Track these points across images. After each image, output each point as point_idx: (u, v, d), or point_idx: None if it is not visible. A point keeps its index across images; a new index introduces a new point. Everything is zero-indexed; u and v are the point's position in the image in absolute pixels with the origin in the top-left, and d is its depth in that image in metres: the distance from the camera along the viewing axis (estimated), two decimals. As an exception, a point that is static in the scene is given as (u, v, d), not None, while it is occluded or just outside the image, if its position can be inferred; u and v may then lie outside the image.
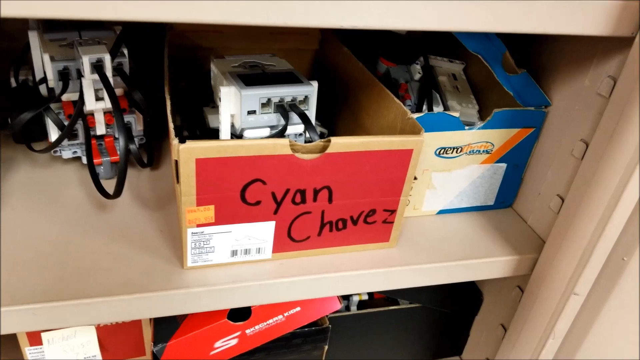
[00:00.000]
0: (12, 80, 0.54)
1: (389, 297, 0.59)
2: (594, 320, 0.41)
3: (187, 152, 0.34)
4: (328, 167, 0.38)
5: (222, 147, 0.34)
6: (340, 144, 0.37)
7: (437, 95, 0.52)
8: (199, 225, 0.37)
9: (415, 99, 0.51)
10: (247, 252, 0.40)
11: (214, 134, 0.46)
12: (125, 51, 0.47)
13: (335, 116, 0.56)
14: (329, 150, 0.37)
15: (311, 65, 0.64)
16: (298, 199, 0.38)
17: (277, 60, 0.47)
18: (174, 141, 0.34)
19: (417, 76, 0.54)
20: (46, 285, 0.37)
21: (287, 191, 0.38)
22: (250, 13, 0.27)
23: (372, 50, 0.56)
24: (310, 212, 0.39)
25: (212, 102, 0.50)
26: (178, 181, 0.35)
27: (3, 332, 0.36)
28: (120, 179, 0.40)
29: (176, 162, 0.34)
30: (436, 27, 0.31)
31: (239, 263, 0.41)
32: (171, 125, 0.36)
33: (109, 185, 0.44)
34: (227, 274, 0.40)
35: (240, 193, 0.37)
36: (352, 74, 0.51)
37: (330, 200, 0.39)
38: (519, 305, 0.48)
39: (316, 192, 0.39)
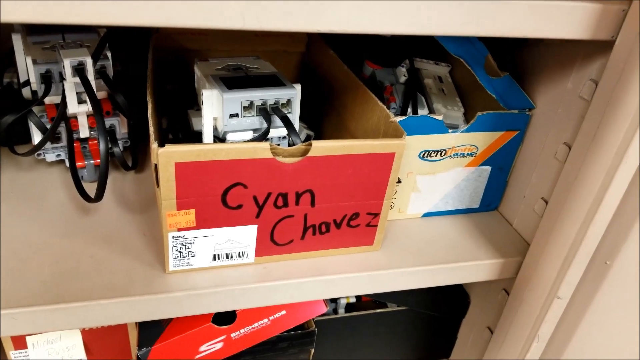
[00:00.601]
0: (-4, 83, 0.54)
1: (377, 300, 0.59)
2: (577, 324, 0.41)
3: (166, 156, 0.33)
4: (310, 171, 0.37)
5: (201, 151, 0.34)
6: (321, 147, 0.37)
7: (422, 98, 0.52)
8: (180, 229, 0.37)
9: (400, 102, 0.51)
10: (229, 256, 0.40)
11: (197, 137, 0.46)
12: (109, 54, 0.46)
13: (322, 118, 0.56)
14: (310, 154, 0.37)
15: (298, 67, 0.64)
16: (280, 202, 0.38)
17: (261, 63, 0.47)
18: (153, 145, 0.34)
19: (403, 79, 0.54)
20: (27, 289, 0.37)
21: (269, 195, 0.38)
22: (226, 17, 0.27)
23: (358, 52, 0.56)
24: (292, 215, 0.39)
25: (196, 104, 0.50)
26: (158, 185, 0.35)
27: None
28: (101, 182, 0.40)
29: (155, 166, 0.34)
30: (413, 31, 0.31)
31: (221, 267, 0.40)
32: (151, 129, 0.36)
33: (93, 188, 0.44)
34: (209, 278, 0.40)
35: (221, 197, 0.37)
36: (337, 77, 0.51)
37: (312, 203, 0.39)
38: (505, 308, 0.48)
39: (298, 196, 0.39)
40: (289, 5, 0.28)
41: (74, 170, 0.42)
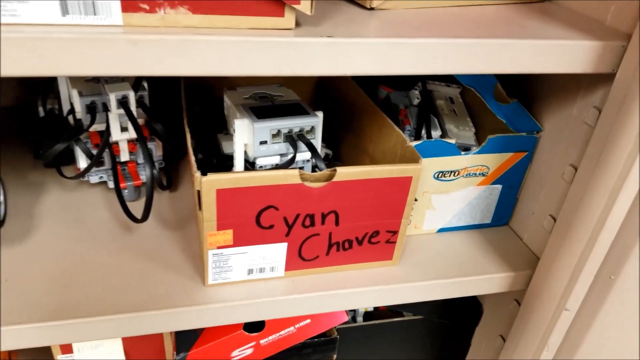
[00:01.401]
0: (40, 110, 0.58)
1: (394, 309, 0.62)
2: (584, 334, 0.44)
3: (209, 184, 0.37)
4: (334, 194, 0.41)
5: (239, 178, 0.38)
6: (345, 173, 0.40)
7: (435, 120, 0.55)
8: (218, 247, 0.41)
9: (414, 124, 0.55)
10: (261, 270, 0.44)
11: (227, 159, 0.50)
12: (145, 85, 0.51)
13: (339, 138, 0.60)
14: (335, 179, 0.40)
15: (313, 89, 0.68)
16: (307, 222, 0.42)
17: (284, 91, 0.51)
18: (197, 174, 0.38)
19: (416, 101, 0.58)
20: (82, 302, 0.41)
21: (298, 216, 0.41)
22: (263, 67, 0.31)
23: (373, 76, 0.60)
24: (318, 234, 0.43)
25: (225, 129, 0.53)
26: (200, 209, 0.39)
27: (41, 345, 0.40)
28: (148, 204, 0.44)
29: (198, 192, 0.38)
30: (426, 72, 0.34)
31: (254, 280, 0.44)
32: (192, 159, 0.40)
33: (132, 207, 0.48)
34: (243, 290, 0.43)
35: (255, 218, 0.40)
36: (354, 100, 0.55)
37: (337, 223, 0.43)
38: (516, 318, 0.51)
39: (324, 216, 0.42)
40: (317, 54, 0.32)
41: (119, 193, 0.46)
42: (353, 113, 0.56)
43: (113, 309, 0.41)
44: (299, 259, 0.44)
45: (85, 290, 0.42)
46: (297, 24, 0.32)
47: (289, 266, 0.44)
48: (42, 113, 0.58)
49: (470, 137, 0.54)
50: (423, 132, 0.53)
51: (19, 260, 0.44)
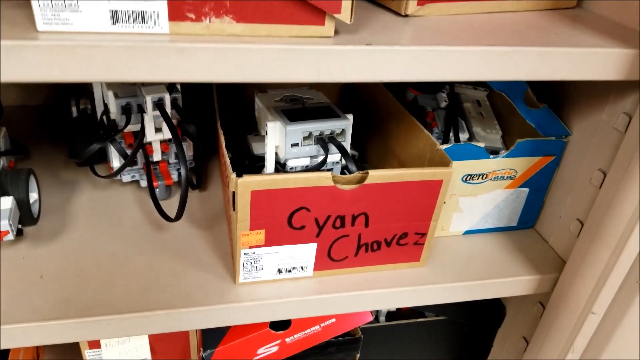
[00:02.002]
0: (74, 110, 0.60)
1: (416, 309, 0.63)
2: (610, 338, 0.45)
3: (244, 186, 0.38)
4: (365, 196, 0.42)
5: (273, 180, 0.39)
6: (376, 176, 0.41)
7: (463, 122, 0.55)
8: (250, 247, 0.42)
9: (442, 127, 0.55)
10: (291, 270, 0.45)
11: (257, 160, 0.51)
12: (179, 87, 0.52)
13: (365, 138, 0.60)
14: (366, 182, 0.41)
15: (340, 91, 0.68)
16: (338, 223, 0.43)
17: (314, 93, 0.52)
18: (232, 175, 0.39)
19: (444, 104, 0.58)
20: (117, 299, 0.42)
21: (329, 217, 0.42)
22: (304, 73, 0.32)
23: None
24: (348, 235, 0.44)
25: (254, 130, 0.54)
26: (234, 209, 0.40)
27: (74, 340, 0.42)
28: (182, 204, 0.45)
29: (233, 193, 0.39)
30: (461, 78, 0.35)
31: (284, 280, 0.45)
32: (227, 160, 0.41)
33: (163, 205, 0.49)
34: (273, 289, 0.44)
35: (287, 219, 0.41)
36: (382, 103, 0.56)
37: (366, 224, 0.44)
38: (541, 321, 0.51)
39: (354, 218, 0.43)
40: (356, 61, 0.32)
41: (153, 194, 0.48)
42: (380, 115, 0.56)
43: (145, 306, 0.42)
44: (328, 259, 0.45)
45: (118, 287, 0.43)
46: (336, 32, 0.33)
47: (318, 266, 0.45)
48: (75, 113, 0.59)
49: (498, 140, 0.55)
50: (451, 135, 0.53)
51: (53, 257, 0.46)
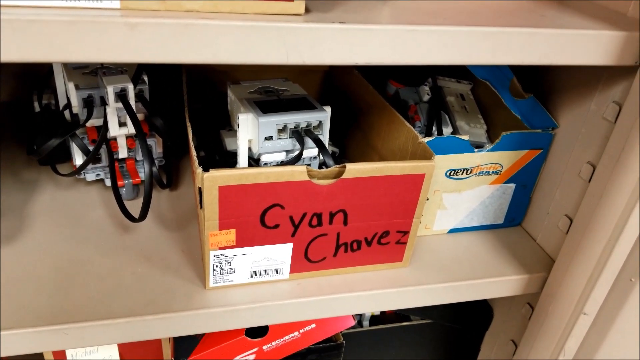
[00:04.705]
0: (36, 105, 0.56)
1: (400, 312, 0.60)
2: (603, 339, 0.42)
3: (211, 180, 0.35)
4: (343, 192, 0.39)
5: (243, 174, 0.36)
6: (354, 169, 0.38)
7: (446, 116, 0.53)
8: (220, 248, 0.39)
9: (424, 121, 0.53)
10: (266, 272, 0.42)
11: (231, 156, 0.48)
12: (146, 78, 0.49)
13: (346, 135, 0.58)
14: (344, 176, 0.38)
15: (321, 85, 0.66)
16: (315, 222, 0.40)
17: (290, 85, 0.49)
18: (198, 170, 0.35)
19: (426, 97, 0.56)
20: (76, 305, 0.39)
21: (304, 215, 0.39)
22: (271, 55, 0.29)
23: (382, 71, 0.58)
24: (326, 234, 0.41)
25: (228, 125, 0.51)
26: (202, 207, 0.37)
27: (33, 351, 0.38)
28: (146, 203, 0.42)
29: (200, 189, 0.36)
30: (444, 61, 0.33)
31: (258, 283, 0.42)
32: (194, 154, 0.38)
33: (130, 206, 0.46)
34: (247, 294, 0.41)
35: (260, 217, 0.38)
36: (362, 96, 0.53)
37: (345, 222, 0.41)
38: (530, 323, 0.49)
39: (332, 215, 0.40)
40: (329, 41, 0.30)
41: (117, 193, 0.44)
42: (361, 109, 0.54)
43: (109, 313, 0.39)
44: (305, 260, 0.42)
45: (80, 293, 0.40)
46: (307, 10, 0.31)
47: (295, 268, 0.42)
48: (37, 108, 0.56)
49: (482, 134, 0.53)
50: (434, 129, 0.51)
51: (10, 261, 0.42)
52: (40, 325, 0.37)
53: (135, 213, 0.45)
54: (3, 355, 0.38)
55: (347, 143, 0.58)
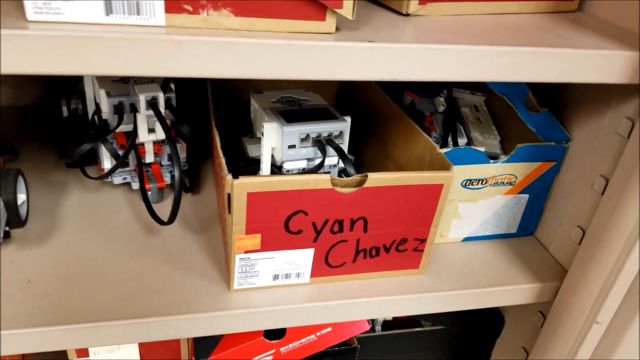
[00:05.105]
0: (64, 109, 0.58)
1: (412, 318, 0.61)
2: (615, 348, 0.43)
3: (240, 187, 0.37)
4: (364, 200, 0.41)
5: (270, 182, 0.38)
6: (376, 179, 0.40)
7: (461, 127, 0.55)
8: (246, 252, 0.40)
9: (440, 131, 0.54)
10: (287, 276, 0.43)
11: (252, 163, 0.49)
12: (173, 86, 0.51)
13: (362, 143, 0.59)
14: (365, 185, 0.40)
15: (336, 93, 0.67)
16: (336, 228, 0.42)
17: (311, 95, 0.51)
18: (228, 177, 0.37)
19: (441, 108, 0.57)
20: (106, 305, 0.41)
21: (327, 221, 0.41)
22: (305, 71, 0.31)
23: (398, 82, 0.60)
24: (346, 240, 0.43)
25: (250, 132, 0.53)
26: (230, 212, 0.39)
27: (61, 348, 0.40)
28: (175, 206, 0.43)
29: (229, 195, 0.38)
30: (464, 78, 0.34)
31: (279, 286, 0.44)
32: (223, 161, 0.40)
33: (155, 208, 0.48)
34: (268, 296, 0.43)
35: (284, 223, 0.40)
36: (379, 106, 0.55)
37: (365, 229, 0.42)
38: (542, 331, 0.50)
39: (353, 222, 0.42)
40: (358, 59, 0.31)
41: (145, 195, 0.46)
42: (377, 119, 0.55)
43: (137, 312, 0.40)
44: (325, 265, 0.44)
45: (107, 293, 0.42)
46: (337, 29, 0.32)
47: (315, 272, 0.44)
48: (65, 113, 0.58)
49: (496, 145, 0.54)
50: (449, 139, 0.52)
51: (40, 261, 0.44)
52: (68, 324, 0.39)
53: (160, 216, 0.46)
54: (36, 350, 0.40)
55: (362, 150, 0.59)
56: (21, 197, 0.47)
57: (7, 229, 0.44)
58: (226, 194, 0.38)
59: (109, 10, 0.29)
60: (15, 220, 0.45)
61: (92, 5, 0.28)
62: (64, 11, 0.28)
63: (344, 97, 0.67)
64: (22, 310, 0.39)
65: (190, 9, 0.29)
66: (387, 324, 0.63)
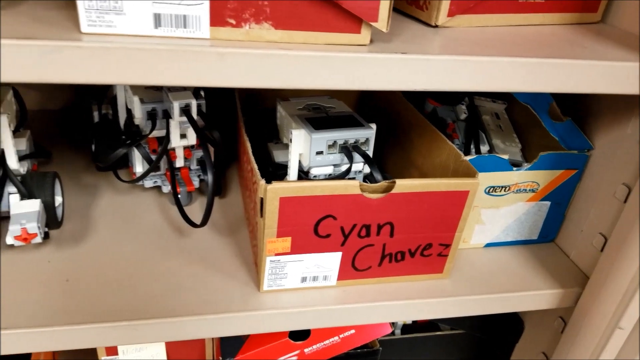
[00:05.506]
0: (95, 115, 0.60)
1: (431, 321, 0.62)
2: (637, 354, 0.44)
3: (273, 192, 0.38)
4: (391, 205, 0.42)
5: (302, 187, 0.39)
6: (403, 185, 0.41)
7: (483, 135, 0.56)
8: (276, 254, 0.42)
9: (462, 138, 0.55)
10: (315, 279, 0.45)
11: (279, 168, 0.51)
12: (202, 93, 0.52)
13: (383, 150, 0.61)
14: (393, 191, 0.41)
15: (357, 99, 0.69)
16: (363, 232, 0.43)
17: (336, 102, 0.52)
18: (261, 182, 0.39)
19: (463, 116, 0.58)
20: (139, 303, 0.42)
21: (354, 226, 0.42)
22: (340, 82, 0.32)
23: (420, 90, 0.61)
24: (373, 244, 0.44)
25: (275, 138, 0.55)
26: (262, 216, 0.40)
27: (94, 346, 0.41)
28: (208, 209, 0.45)
29: (262, 199, 0.39)
30: (491, 88, 0.35)
31: (307, 288, 0.45)
32: (255, 167, 0.41)
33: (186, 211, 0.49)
34: (296, 298, 0.44)
35: (314, 227, 0.41)
36: (402, 114, 0.56)
37: (391, 234, 0.43)
38: (563, 336, 0.51)
39: (380, 227, 0.43)
40: (392, 70, 0.33)
41: (177, 199, 0.48)
42: (400, 126, 0.57)
43: (170, 311, 0.42)
44: (351, 268, 0.45)
45: (141, 292, 0.43)
46: (370, 41, 0.34)
47: (342, 275, 0.45)
48: (96, 118, 0.60)
49: (517, 152, 0.55)
50: (472, 147, 0.53)
51: (77, 261, 0.46)
52: (102, 322, 0.40)
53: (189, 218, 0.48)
54: (68, 348, 0.41)
55: (384, 157, 0.60)
56: (58, 199, 0.49)
57: (46, 229, 0.46)
58: (259, 198, 0.40)
59: (157, 24, 0.30)
60: (53, 221, 0.47)
61: (142, 19, 0.30)
62: (116, 24, 0.30)
63: (364, 104, 0.68)
64: (61, 308, 0.41)
65: (234, 22, 0.31)
66: (406, 328, 0.64)
